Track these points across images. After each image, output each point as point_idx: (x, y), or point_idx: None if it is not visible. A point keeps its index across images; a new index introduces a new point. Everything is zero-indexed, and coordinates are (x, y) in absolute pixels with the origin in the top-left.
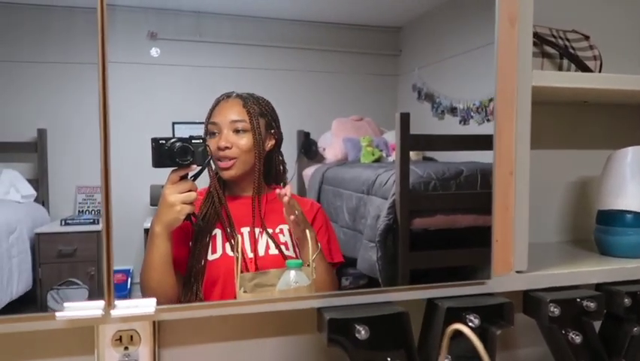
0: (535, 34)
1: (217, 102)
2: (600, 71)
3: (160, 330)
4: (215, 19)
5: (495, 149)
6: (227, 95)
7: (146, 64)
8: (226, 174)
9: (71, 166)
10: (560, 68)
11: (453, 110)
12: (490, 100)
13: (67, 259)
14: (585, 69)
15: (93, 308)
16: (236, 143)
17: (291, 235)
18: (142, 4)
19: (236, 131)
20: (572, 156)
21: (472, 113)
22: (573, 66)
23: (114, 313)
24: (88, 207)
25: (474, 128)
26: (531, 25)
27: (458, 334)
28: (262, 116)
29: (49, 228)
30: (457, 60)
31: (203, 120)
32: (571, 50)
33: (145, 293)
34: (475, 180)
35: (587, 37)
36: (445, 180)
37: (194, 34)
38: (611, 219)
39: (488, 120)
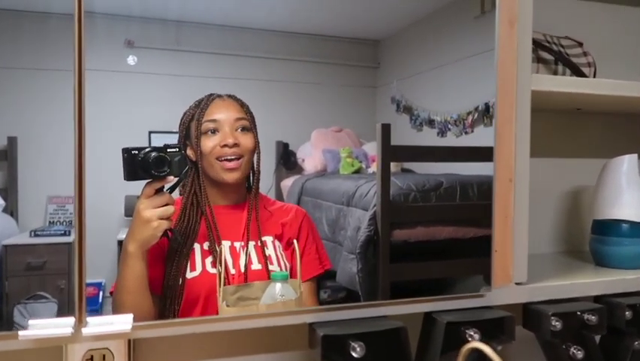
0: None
1: (210, 100)
2: (594, 77)
3: (135, 349)
4: (194, 28)
5: (495, 155)
6: (219, 95)
7: (123, 72)
8: (231, 177)
9: (43, 176)
10: (555, 74)
11: (431, 123)
12: (469, 113)
13: (36, 272)
14: (581, 74)
15: (62, 326)
16: (241, 141)
17: (275, 248)
18: (118, 11)
19: (239, 129)
20: (566, 164)
21: (449, 126)
22: (568, 72)
23: (86, 331)
24: (59, 218)
25: (451, 140)
26: (530, 28)
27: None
28: (253, 118)
29: (17, 239)
30: (434, 73)
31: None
32: (566, 56)
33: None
34: (455, 192)
35: (580, 44)
36: (425, 192)
37: (172, 42)
38: (607, 229)
39: (466, 133)
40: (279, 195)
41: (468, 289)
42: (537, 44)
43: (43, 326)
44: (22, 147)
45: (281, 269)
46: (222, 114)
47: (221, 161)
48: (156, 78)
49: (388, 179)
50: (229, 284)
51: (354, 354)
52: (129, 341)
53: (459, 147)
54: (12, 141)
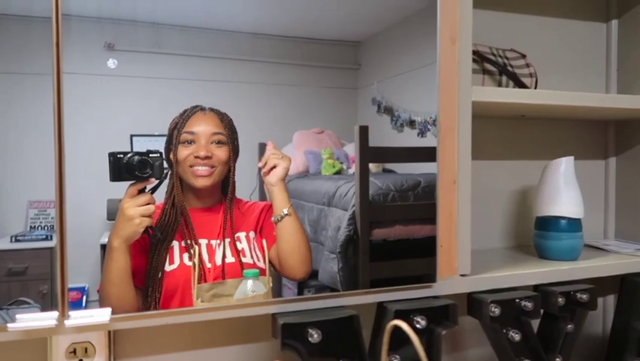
0: (477, 53)
1: (192, 112)
2: (536, 87)
3: (115, 341)
4: (175, 30)
5: (438, 159)
6: (202, 108)
7: (103, 75)
8: (200, 182)
9: (23, 180)
10: (500, 84)
11: (412, 123)
12: None
13: (17, 278)
14: (522, 85)
15: (47, 319)
16: (215, 153)
17: (248, 242)
18: (98, 14)
19: (214, 143)
20: (513, 166)
21: (429, 126)
22: (511, 82)
23: (68, 323)
24: (40, 222)
25: (431, 140)
26: (470, 44)
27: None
28: (232, 132)
29: None
30: (414, 74)
31: (164, 132)
32: (509, 68)
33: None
34: (433, 191)
35: (523, 56)
36: (403, 192)
37: (153, 45)
38: (547, 224)
39: None
40: (263, 196)
41: None
42: (482, 57)
43: (30, 319)
44: (1, 151)
45: (253, 261)
46: (200, 127)
47: (192, 168)
48: (137, 81)
49: (367, 179)
50: (205, 278)
51: (311, 340)
52: (109, 333)
53: (434, 147)
54: None
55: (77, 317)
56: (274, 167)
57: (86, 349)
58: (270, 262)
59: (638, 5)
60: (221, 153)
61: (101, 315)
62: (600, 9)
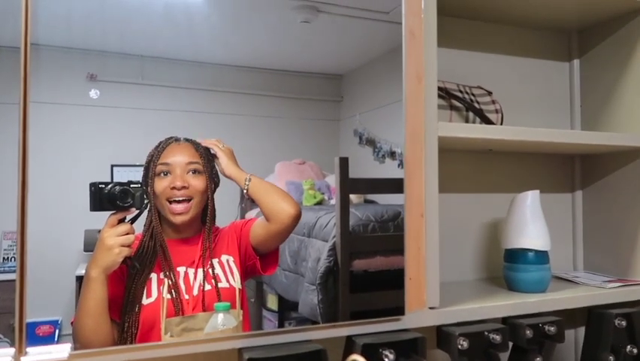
0: (444, 90)
1: (167, 144)
2: (502, 123)
3: None
4: (158, 62)
5: (406, 193)
6: (176, 139)
7: (85, 105)
8: (179, 219)
9: None
10: (467, 120)
11: (392, 155)
12: None
13: None
14: (487, 121)
15: (2, 356)
16: (191, 183)
17: (222, 266)
18: (80, 45)
19: (190, 172)
20: (483, 199)
21: None
22: (478, 118)
23: (25, 360)
24: (14, 254)
25: None
26: (435, 82)
27: None
28: (209, 160)
29: None
30: (395, 107)
31: (143, 163)
32: (475, 104)
33: (78, 342)
34: None
35: (489, 93)
36: (383, 222)
37: (136, 76)
38: (516, 256)
39: None
40: None
41: None
42: (450, 94)
43: None
44: None
45: (229, 283)
46: (175, 158)
47: (170, 203)
48: (119, 112)
49: (347, 210)
50: (183, 310)
51: None
52: None
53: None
54: None
55: (35, 354)
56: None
57: None
58: (246, 260)
59: (597, 46)
60: (197, 183)
61: (60, 351)
62: (562, 49)
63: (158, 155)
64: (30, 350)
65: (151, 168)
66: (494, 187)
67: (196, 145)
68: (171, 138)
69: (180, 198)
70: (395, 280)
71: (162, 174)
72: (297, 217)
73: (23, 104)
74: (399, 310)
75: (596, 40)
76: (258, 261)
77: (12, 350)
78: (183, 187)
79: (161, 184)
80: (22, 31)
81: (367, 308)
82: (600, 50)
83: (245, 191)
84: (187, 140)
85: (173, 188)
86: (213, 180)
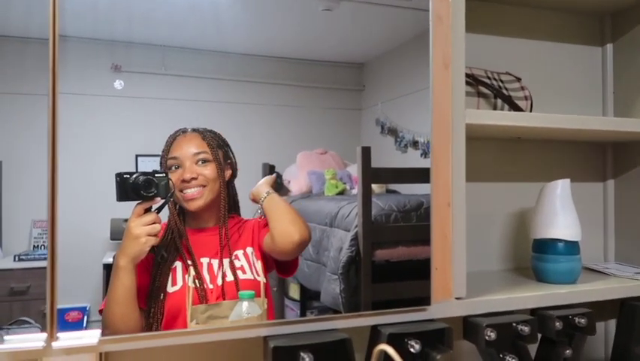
0: (472, 76)
1: (174, 138)
2: (531, 110)
3: None
4: (181, 52)
5: (432, 182)
6: (183, 131)
7: (110, 96)
8: (193, 205)
9: (27, 200)
10: (495, 107)
11: (415, 144)
12: None
13: (19, 297)
14: (516, 108)
15: (34, 340)
16: (201, 173)
17: (247, 258)
18: (105, 36)
19: (199, 162)
20: (510, 188)
21: None
22: (506, 105)
23: (56, 345)
24: (43, 242)
25: None
26: (463, 68)
27: None
28: (219, 147)
29: (0, 264)
30: (418, 96)
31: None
32: (504, 91)
33: (107, 329)
34: None
35: (518, 79)
36: (406, 212)
37: (160, 67)
38: (545, 247)
39: None
40: None
41: None
42: (477, 81)
43: (19, 340)
44: (6, 171)
45: (253, 276)
46: (182, 151)
47: (182, 192)
48: (143, 102)
49: (369, 200)
50: (207, 299)
51: None
52: (101, 355)
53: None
54: None
55: (66, 339)
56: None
57: None
58: (267, 256)
59: (631, 30)
60: (208, 172)
61: (90, 337)
62: (595, 33)
63: (167, 149)
64: (61, 335)
65: (162, 163)
66: (522, 176)
67: (202, 134)
68: (178, 130)
69: (192, 190)
70: (417, 270)
71: (173, 168)
72: (301, 244)
73: (52, 95)
74: (421, 301)
75: (630, 24)
76: (275, 265)
77: (44, 335)
78: (193, 178)
79: (173, 177)
80: (49, 22)
81: (389, 298)
82: (635, 34)
83: (260, 202)
84: (194, 130)
85: (184, 181)
86: (225, 167)
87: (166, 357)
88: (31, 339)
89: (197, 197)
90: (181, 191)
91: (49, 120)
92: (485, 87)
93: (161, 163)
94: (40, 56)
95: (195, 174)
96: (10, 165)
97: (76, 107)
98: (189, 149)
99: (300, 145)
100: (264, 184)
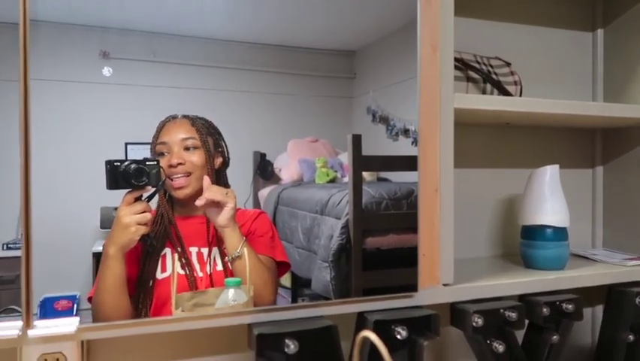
0: (460, 60)
1: (163, 124)
2: (520, 95)
3: (90, 352)
4: (170, 39)
5: (420, 167)
6: (173, 117)
7: (98, 83)
8: (180, 193)
9: (14, 189)
10: (484, 92)
11: (406, 132)
12: None
13: (7, 286)
14: (506, 93)
15: (9, 328)
16: (188, 159)
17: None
18: (93, 22)
19: (187, 148)
20: (499, 174)
21: None
22: (496, 90)
23: (32, 333)
24: None
25: None
26: (452, 52)
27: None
28: (209, 134)
29: None
30: (409, 83)
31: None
32: (493, 76)
33: (98, 317)
34: None
35: (508, 64)
36: (396, 200)
37: (149, 54)
38: (533, 233)
39: None
40: (257, 205)
41: None
42: (466, 65)
43: None
44: None
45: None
46: (170, 136)
47: (171, 180)
48: (132, 89)
49: (360, 188)
50: (197, 286)
51: (287, 351)
52: (82, 343)
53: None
54: None
55: (43, 327)
56: (219, 204)
57: (57, 360)
58: None
59: (623, 15)
60: (194, 158)
61: (68, 324)
62: (586, 18)
63: (156, 135)
64: (38, 323)
65: (152, 148)
66: (510, 162)
67: (192, 120)
68: (168, 117)
69: (179, 175)
70: (408, 257)
71: (162, 154)
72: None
73: (24, 80)
74: (412, 288)
75: (622, 9)
76: None
77: (19, 323)
78: (179, 164)
79: (162, 163)
80: (20, 5)
81: (380, 286)
82: (626, 19)
83: (228, 259)
84: (184, 116)
85: (170, 166)
86: (215, 155)
87: (151, 344)
88: (7, 327)
89: (184, 185)
90: (169, 177)
91: (20, 106)
92: (474, 72)
93: (151, 149)
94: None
95: (182, 159)
96: None
97: (64, 94)
98: (178, 134)
99: (291, 133)
100: (235, 236)
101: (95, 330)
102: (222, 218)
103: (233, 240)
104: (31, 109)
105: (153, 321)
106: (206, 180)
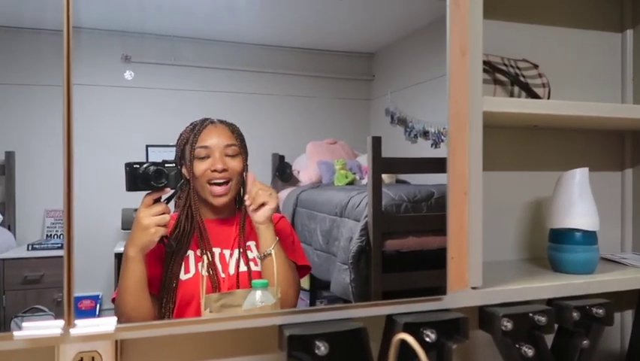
0: (488, 63)
1: (203, 127)
2: (548, 98)
3: (123, 351)
4: (191, 43)
5: (449, 170)
6: (211, 121)
7: (120, 86)
8: (220, 201)
9: (40, 189)
10: (512, 95)
11: (425, 134)
12: None
13: (33, 286)
14: (534, 95)
15: (52, 327)
16: (230, 165)
17: (259, 250)
18: (115, 27)
19: (227, 155)
20: (526, 177)
21: (442, 137)
22: (524, 93)
23: (74, 332)
24: (56, 231)
25: (445, 151)
26: (481, 55)
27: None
28: (242, 141)
29: (14, 253)
30: (428, 85)
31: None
32: (521, 78)
33: (120, 318)
34: (445, 202)
35: (536, 66)
36: (416, 202)
37: (169, 57)
38: (562, 237)
39: None
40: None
41: None
42: (494, 67)
43: (36, 327)
44: (19, 161)
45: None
46: (213, 140)
47: (211, 185)
48: (153, 93)
49: (380, 190)
50: (220, 288)
51: (317, 353)
52: (116, 343)
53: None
54: (9, 156)
55: (83, 326)
56: (263, 204)
57: (92, 358)
58: None
59: None
60: (235, 165)
61: (107, 324)
62: (614, 19)
63: (195, 137)
64: (78, 322)
65: (188, 150)
66: (538, 165)
67: (231, 127)
68: (206, 119)
69: (220, 181)
70: (428, 260)
71: (202, 158)
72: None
73: (67, 86)
74: (432, 291)
75: None
76: None
77: (61, 322)
78: (224, 170)
79: (200, 167)
80: (64, 12)
81: (400, 288)
82: None
83: (258, 257)
84: (221, 121)
85: (214, 171)
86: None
87: (179, 345)
88: (49, 326)
89: (224, 193)
90: (208, 182)
91: (64, 111)
92: (502, 74)
93: (181, 151)
94: (54, 47)
95: (226, 165)
96: (23, 155)
97: (87, 98)
98: (220, 139)
99: (310, 135)
100: (269, 234)
101: (132, 330)
102: (261, 215)
103: (267, 237)
104: (74, 115)
105: (186, 321)
106: (251, 176)
